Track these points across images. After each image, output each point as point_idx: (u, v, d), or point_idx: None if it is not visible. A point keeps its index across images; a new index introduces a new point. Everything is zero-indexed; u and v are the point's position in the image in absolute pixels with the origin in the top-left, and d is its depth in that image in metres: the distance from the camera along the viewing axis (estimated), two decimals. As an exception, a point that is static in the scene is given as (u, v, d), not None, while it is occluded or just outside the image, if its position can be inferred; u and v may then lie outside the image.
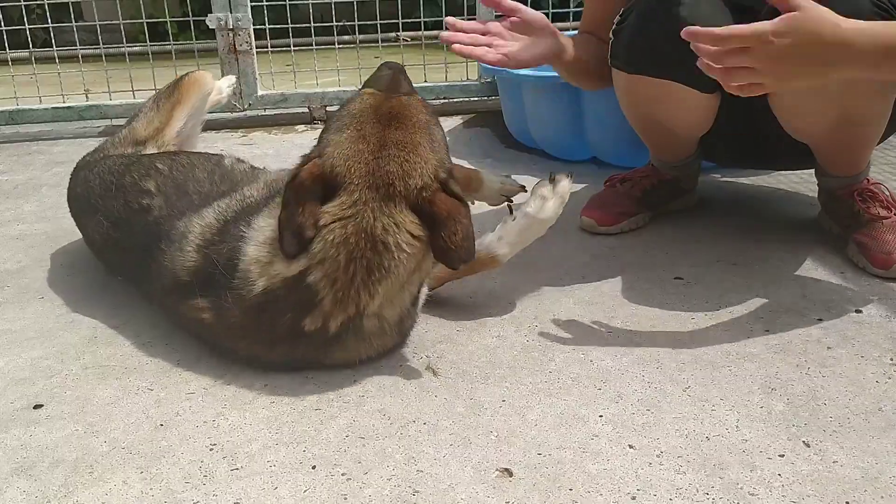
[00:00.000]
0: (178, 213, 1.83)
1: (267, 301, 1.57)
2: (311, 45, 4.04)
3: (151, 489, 1.35)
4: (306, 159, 1.57)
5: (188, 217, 1.79)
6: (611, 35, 2.16)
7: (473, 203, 1.90)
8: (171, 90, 2.40)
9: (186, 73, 2.47)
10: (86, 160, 2.27)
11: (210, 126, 3.81)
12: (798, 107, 1.98)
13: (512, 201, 1.98)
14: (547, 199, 1.84)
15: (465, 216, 1.55)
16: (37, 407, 1.60)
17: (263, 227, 1.61)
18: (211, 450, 1.44)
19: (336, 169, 1.53)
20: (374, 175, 1.52)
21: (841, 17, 1.52)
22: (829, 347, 1.72)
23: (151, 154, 2.16)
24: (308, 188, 1.52)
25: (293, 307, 1.56)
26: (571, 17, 4.27)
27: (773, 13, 1.54)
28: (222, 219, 1.74)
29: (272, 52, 4.08)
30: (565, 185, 1.86)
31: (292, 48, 4.07)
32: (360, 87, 1.72)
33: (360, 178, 1.52)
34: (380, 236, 1.51)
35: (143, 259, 1.82)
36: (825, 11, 1.51)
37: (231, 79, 2.81)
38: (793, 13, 1.49)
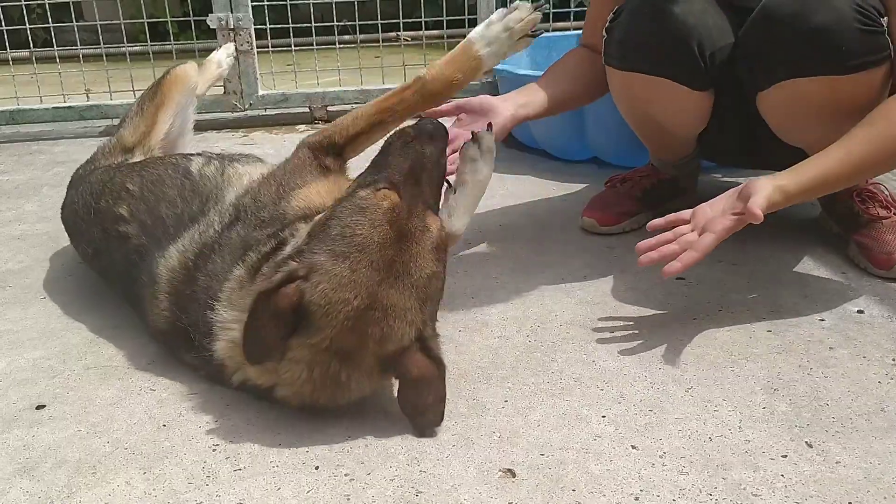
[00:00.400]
0: (154, 241, 1.76)
1: (246, 389, 1.54)
2: (312, 44, 4.04)
3: (154, 490, 1.35)
4: (290, 275, 1.39)
5: (159, 252, 1.71)
6: (604, 33, 2.16)
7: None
8: (153, 91, 2.34)
9: (168, 71, 2.40)
10: (77, 174, 2.23)
11: (211, 126, 3.82)
12: (784, 117, 1.99)
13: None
14: (477, 159, 1.82)
15: (437, 379, 1.45)
16: (39, 407, 1.60)
17: (230, 325, 1.49)
18: (214, 450, 1.44)
19: (314, 307, 1.38)
20: (351, 330, 1.39)
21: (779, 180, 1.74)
22: (831, 348, 1.72)
23: (128, 168, 2.06)
24: (282, 315, 1.38)
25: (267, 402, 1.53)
26: (572, 17, 4.26)
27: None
28: (186, 263, 1.65)
29: (273, 51, 4.08)
30: (489, 140, 1.83)
31: (293, 48, 4.07)
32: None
33: (336, 328, 1.38)
34: (343, 381, 1.43)
35: (133, 289, 1.78)
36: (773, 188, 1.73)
37: (230, 47, 2.73)
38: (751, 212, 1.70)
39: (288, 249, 1.50)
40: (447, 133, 1.57)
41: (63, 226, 2.23)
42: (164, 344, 1.73)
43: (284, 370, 1.44)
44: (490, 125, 1.89)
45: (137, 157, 2.20)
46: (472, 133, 1.84)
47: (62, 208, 2.23)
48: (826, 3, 1.77)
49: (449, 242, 1.76)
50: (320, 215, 1.53)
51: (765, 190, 1.73)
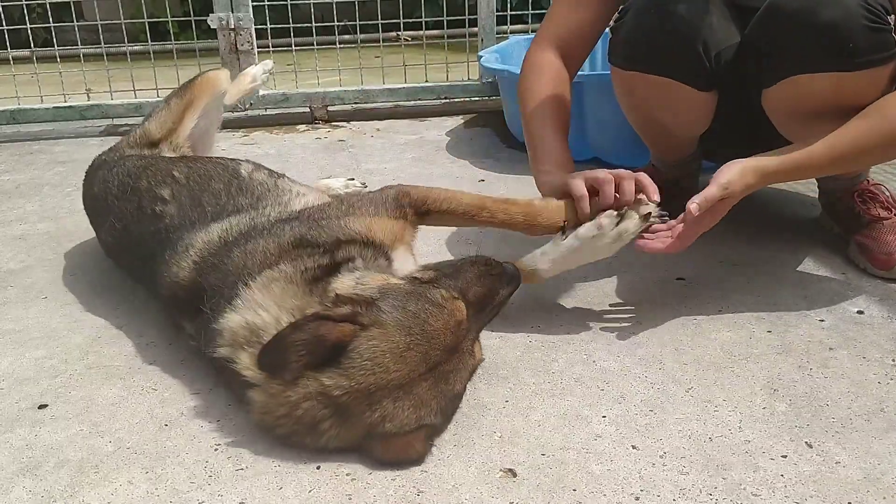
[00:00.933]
0: (188, 224, 1.81)
1: (220, 367, 1.52)
2: (313, 44, 4.05)
3: (157, 489, 1.35)
4: (354, 317, 1.39)
5: (196, 229, 1.77)
6: (609, 32, 2.17)
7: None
8: (183, 90, 2.40)
9: (201, 73, 2.47)
10: (102, 159, 2.27)
11: (211, 125, 3.81)
12: (789, 114, 1.99)
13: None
14: (604, 232, 1.76)
15: (413, 459, 1.41)
16: (41, 407, 1.61)
17: (255, 307, 1.48)
18: (216, 450, 1.45)
19: (355, 356, 1.36)
20: (370, 396, 1.36)
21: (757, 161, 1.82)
22: (830, 348, 1.72)
23: (170, 158, 2.15)
24: (322, 344, 1.36)
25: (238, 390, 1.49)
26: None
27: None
28: (226, 238, 1.70)
29: (273, 51, 4.07)
30: (629, 226, 1.76)
31: (293, 48, 4.08)
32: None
33: (360, 386, 1.35)
34: (322, 431, 1.39)
35: (151, 265, 1.81)
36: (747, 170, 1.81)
37: (268, 63, 2.78)
38: (730, 196, 1.80)
39: (347, 282, 1.50)
40: (520, 282, 1.62)
41: (85, 205, 2.25)
42: (169, 307, 1.75)
43: (279, 385, 1.39)
44: (649, 214, 1.79)
45: (166, 152, 2.26)
46: (625, 207, 1.78)
47: (86, 188, 2.24)
48: (833, 0, 1.77)
49: (529, 278, 1.83)
50: (402, 279, 1.53)
51: (728, 174, 1.79)
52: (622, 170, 1.82)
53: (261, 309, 1.47)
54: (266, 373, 1.39)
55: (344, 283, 1.50)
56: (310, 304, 1.46)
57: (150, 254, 1.82)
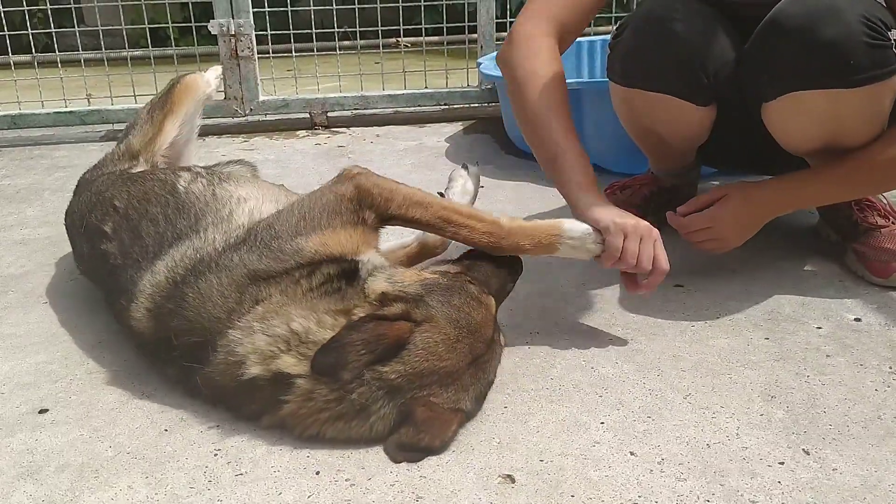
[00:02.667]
0: (132, 264, 1.74)
1: (246, 388, 1.49)
2: (313, 50, 4.06)
3: (157, 494, 1.36)
4: (406, 314, 1.46)
5: (142, 269, 1.70)
6: (607, 48, 2.18)
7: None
8: (163, 99, 2.34)
9: (179, 79, 2.41)
10: (84, 179, 2.23)
11: (211, 131, 3.83)
12: (788, 127, 2.00)
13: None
14: (463, 178, 2.05)
15: (441, 429, 1.45)
16: (42, 411, 1.61)
17: (280, 323, 1.49)
18: (215, 455, 1.45)
19: (411, 347, 1.43)
20: (422, 378, 1.43)
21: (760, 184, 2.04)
22: (828, 355, 1.73)
23: (119, 181, 2.04)
24: (382, 343, 1.41)
25: (266, 403, 1.48)
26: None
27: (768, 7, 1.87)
28: (174, 279, 1.63)
29: (273, 57, 4.09)
30: (474, 170, 2.07)
31: (294, 54, 4.09)
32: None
33: (414, 371, 1.42)
34: (371, 412, 1.43)
35: (114, 308, 1.78)
36: (746, 186, 2.03)
37: (217, 69, 2.71)
38: (723, 199, 1.98)
39: (381, 282, 1.55)
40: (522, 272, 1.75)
41: (65, 231, 2.23)
42: (147, 356, 1.72)
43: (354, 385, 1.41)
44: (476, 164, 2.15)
45: (141, 164, 2.20)
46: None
47: (66, 214, 2.23)
48: (834, 17, 1.77)
49: (431, 252, 1.98)
50: (434, 275, 1.61)
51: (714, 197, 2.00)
52: (647, 229, 1.77)
53: (294, 318, 1.48)
54: (323, 375, 1.41)
55: (379, 284, 1.54)
56: (354, 305, 1.50)
57: (109, 298, 1.80)
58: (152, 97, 2.46)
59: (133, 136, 2.29)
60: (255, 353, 1.47)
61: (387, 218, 1.70)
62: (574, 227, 1.76)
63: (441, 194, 1.92)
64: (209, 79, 2.65)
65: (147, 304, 1.64)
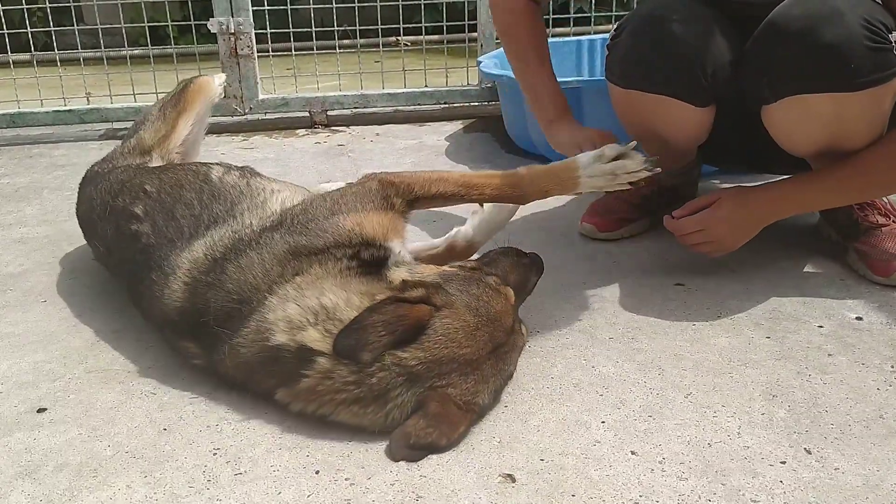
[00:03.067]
0: (167, 243, 1.77)
1: (268, 358, 1.51)
2: (312, 49, 4.05)
3: (155, 493, 1.35)
4: (427, 298, 1.48)
5: (177, 248, 1.74)
6: (606, 50, 2.18)
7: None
8: (176, 98, 2.39)
9: (192, 79, 2.46)
10: (94, 171, 2.25)
11: (211, 130, 3.79)
12: (789, 130, 1.99)
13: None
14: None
15: (452, 427, 1.44)
16: (40, 411, 1.60)
17: (313, 295, 1.52)
18: (214, 454, 1.45)
19: (430, 332, 1.45)
20: (441, 366, 1.44)
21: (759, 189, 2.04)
22: (829, 354, 1.72)
23: (146, 170, 2.10)
24: (403, 324, 1.43)
25: (284, 376, 1.50)
26: (571, 23, 4.28)
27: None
28: (214, 256, 1.67)
29: (273, 56, 4.08)
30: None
31: (293, 52, 4.08)
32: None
33: (433, 357, 1.43)
34: (398, 402, 1.44)
35: (138, 289, 1.79)
36: (742, 190, 2.04)
37: (222, 76, 2.77)
38: (718, 202, 2.01)
39: (402, 272, 1.60)
40: (544, 270, 1.77)
41: (78, 222, 2.23)
42: (163, 330, 1.74)
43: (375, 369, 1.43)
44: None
45: (156, 160, 2.23)
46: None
47: (78, 204, 2.23)
48: (835, 20, 1.77)
49: (466, 253, 1.99)
50: (453, 268, 1.65)
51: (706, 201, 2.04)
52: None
53: (326, 293, 1.51)
54: (344, 356, 1.42)
55: (401, 273, 1.59)
56: (378, 290, 1.52)
57: (136, 277, 1.80)
58: (163, 96, 2.48)
59: (145, 132, 2.32)
60: (285, 321, 1.49)
61: (413, 200, 1.77)
62: (584, 158, 1.81)
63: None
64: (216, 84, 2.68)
65: (185, 279, 1.67)
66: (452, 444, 1.44)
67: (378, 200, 1.73)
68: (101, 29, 3.98)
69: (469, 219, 2.02)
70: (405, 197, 1.76)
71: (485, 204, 1.97)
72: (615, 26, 2.16)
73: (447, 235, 2.03)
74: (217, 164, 2.07)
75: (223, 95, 3.09)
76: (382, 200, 1.74)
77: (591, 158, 1.80)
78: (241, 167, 2.05)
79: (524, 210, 2.63)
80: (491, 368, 1.50)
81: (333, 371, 1.43)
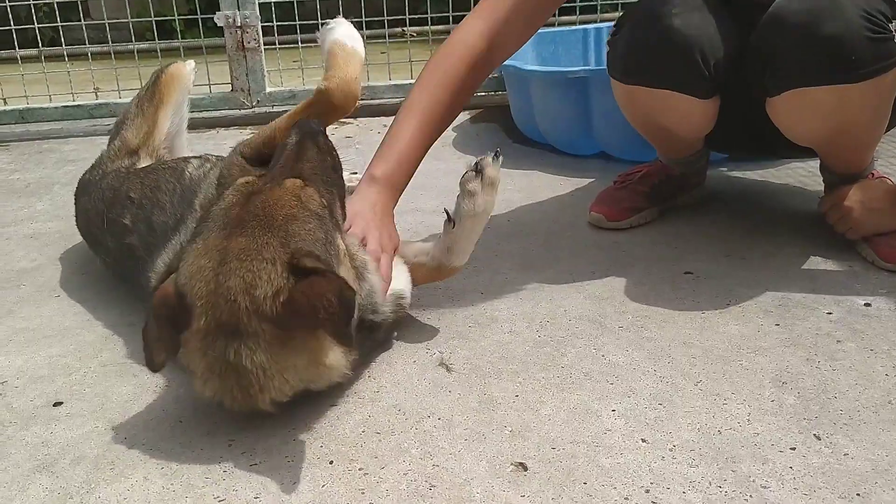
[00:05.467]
0: (151, 252, 1.77)
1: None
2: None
3: (172, 485, 1.37)
4: (168, 271, 1.46)
5: (155, 257, 1.74)
6: (606, 45, 2.19)
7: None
8: (151, 91, 2.34)
9: (163, 70, 2.39)
10: (86, 179, 2.25)
11: (219, 123, 3.84)
12: (793, 121, 2.00)
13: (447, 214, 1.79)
14: (476, 193, 1.73)
15: (329, 293, 1.32)
16: (57, 404, 1.62)
17: None
18: (230, 445, 1.47)
19: (185, 290, 1.39)
20: (216, 293, 1.37)
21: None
22: (838, 341, 1.73)
23: (130, 174, 2.07)
24: (162, 313, 1.40)
25: None
26: (578, 11, 4.27)
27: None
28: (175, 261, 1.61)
29: (280, 48, 4.09)
30: (491, 173, 1.73)
31: (300, 44, 4.08)
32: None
33: (205, 299, 1.38)
34: (234, 363, 1.38)
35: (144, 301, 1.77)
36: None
37: (191, 62, 2.73)
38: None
39: None
40: (312, 126, 1.64)
41: (80, 234, 2.25)
42: None
43: (188, 360, 1.43)
44: (498, 152, 1.78)
45: (144, 159, 2.21)
46: (476, 163, 1.75)
47: (76, 216, 2.25)
48: (835, 12, 1.77)
49: (450, 274, 1.84)
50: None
51: None
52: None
53: None
54: (153, 369, 1.44)
55: None
56: None
57: (141, 289, 1.79)
58: (138, 92, 2.44)
59: (127, 131, 2.28)
60: None
61: (253, 150, 1.80)
62: (345, 34, 1.93)
63: (448, 214, 1.78)
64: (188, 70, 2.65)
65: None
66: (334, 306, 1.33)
67: (240, 172, 1.72)
68: (108, 24, 3.99)
69: (443, 240, 1.80)
70: (256, 157, 1.78)
71: (458, 212, 1.76)
72: (615, 22, 2.16)
73: (430, 255, 1.83)
74: (196, 157, 2.04)
75: (195, 82, 2.99)
76: (242, 170, 1.74)
77: (343, 29, 1.93)
78: (217, 157, 2.02)
79: (531, 200, 2.65)
80: (247, 239, 1.40)
81: (207, 384, 1.44)
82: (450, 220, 1.76)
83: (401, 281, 1.74)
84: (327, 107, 1.82)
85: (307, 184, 1.53)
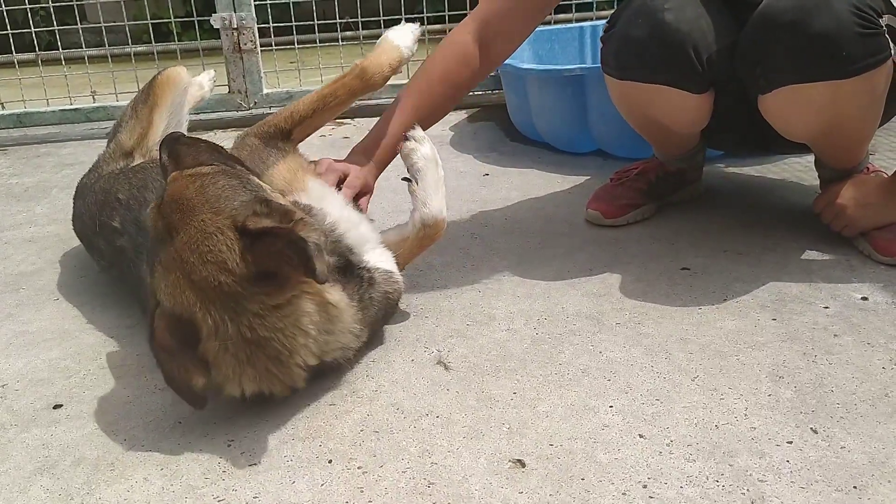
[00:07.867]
0: (140, 254, 1.77)
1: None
2: (315, 42, 4.06)
3: (172, 485, 1.38)
4: (153, 307, 1.46)
5: (143, 263, 1.70)
6: (600, 42, 2.19)
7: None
8: (146, 94, 2.36)
9: (158, 73, 2.42)
10: (83, 183, 2.25)
11: (216, 125, 3.84)
12: (786, 117, 2.00)
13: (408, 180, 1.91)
14: (415, 148, 1.89)
15: (281, 246, 1.37)
16: (56, 407, 1.63)
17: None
18: (229, 446, 1.47)
19: (174, 311, 1.42)
20: (199, 289, 1.40)
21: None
22: (835, 335, 1.74)
23: (119, 175, 2.08)
24: (170, 345, 1.42)
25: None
26: (573, 9, 4.27)
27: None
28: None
29: (276, 49, 4.09)
30: (417, 132, 1.92)
31: (296, 45, 4.09)
32: None
33: (196, 302, 1.41)
34: (253, 338, 1.43)
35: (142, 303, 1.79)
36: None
37: (211, 73, 2.75)
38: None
39: None
40: (170, 135, 1.64)
41: (77, 238, 2.25)
42: None
43: (217, 370, 1.45)
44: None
45: (137, 160, 2.22)
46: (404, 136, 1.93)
47: (73, 220, 2.25)
48: (824, 9, 1.78)
49: (439, 230, 1.89)
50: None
51: None
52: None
53: None
54: (199, 408, 1.50)
55: None
56: None
57: (136, 294, 1.81)
58: (134, 96, 2.46)
59: (122, 134, 2.30)
60: None
61: (287, 135, 1.89)
62: (392, 32, 2.03)
63: (407, 179, 1.91)
64: (202, 82, 2.67)
65: None
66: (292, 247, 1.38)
67: (273, 151, 1.83)
68: (105, 27, 3.99)
69: (415, 201, 1.89)
70: (281, 136, 1.87)
71: (412, 171, 1.89)
72: (608, 18, 2.17)
73: (411, 221, 1.90)
74: None
75: (212, 90, 3.03)
76: (274, 149, 1.84)
77: (399, 31, 2.03)
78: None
79: (528, 198, 2.66)
80: (183, 222, 1.43)
81: (239, 386, 1.49)
82: (412, 181, 1.89)
83: (386, 263, 1.78)
84: (358, 80, 1.95)
85: (190, 166, 1.55)
